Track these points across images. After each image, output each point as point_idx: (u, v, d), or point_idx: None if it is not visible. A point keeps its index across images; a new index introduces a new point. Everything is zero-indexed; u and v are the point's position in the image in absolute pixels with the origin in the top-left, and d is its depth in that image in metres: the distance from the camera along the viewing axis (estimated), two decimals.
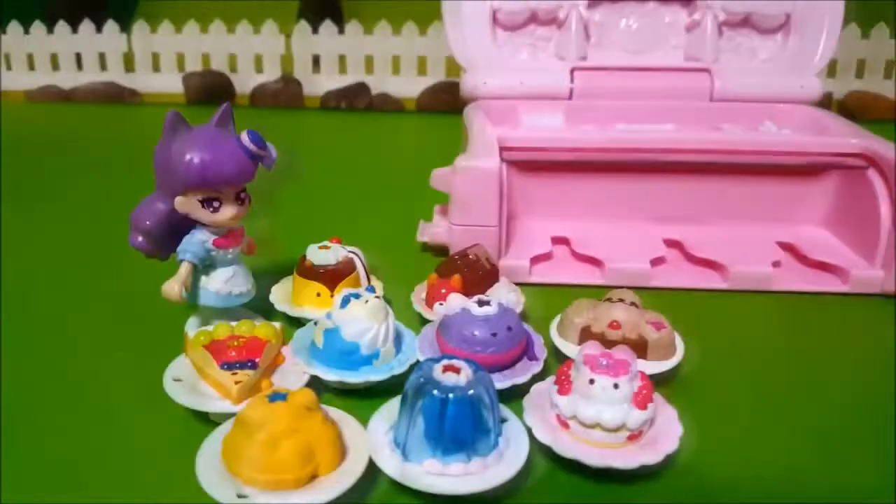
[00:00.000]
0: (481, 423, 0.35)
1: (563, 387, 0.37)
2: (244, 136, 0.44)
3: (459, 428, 0.34)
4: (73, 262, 0.61)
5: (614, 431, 0.36)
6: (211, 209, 0.44)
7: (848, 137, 0.61)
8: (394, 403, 0.38)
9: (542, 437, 0.36)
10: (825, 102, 1.14)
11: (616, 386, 0.36)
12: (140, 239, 0.45)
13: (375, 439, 0.36)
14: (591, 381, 0.36)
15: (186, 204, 0.44)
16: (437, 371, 0.35)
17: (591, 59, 0.72)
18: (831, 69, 1.21)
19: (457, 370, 0.35)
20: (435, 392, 0.34)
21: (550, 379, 0.40)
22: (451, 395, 0.34)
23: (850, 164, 0.59)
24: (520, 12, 0.71)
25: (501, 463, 0.35)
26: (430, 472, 0.34)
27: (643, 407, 0.36)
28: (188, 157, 0.42)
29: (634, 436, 0.36)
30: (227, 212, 0.44)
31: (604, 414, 0.35)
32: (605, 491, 0.36)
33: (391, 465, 0.34)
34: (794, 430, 0.41)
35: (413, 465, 0.34)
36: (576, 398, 0.36)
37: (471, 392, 0.34)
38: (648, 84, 0.70)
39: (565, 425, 0.37)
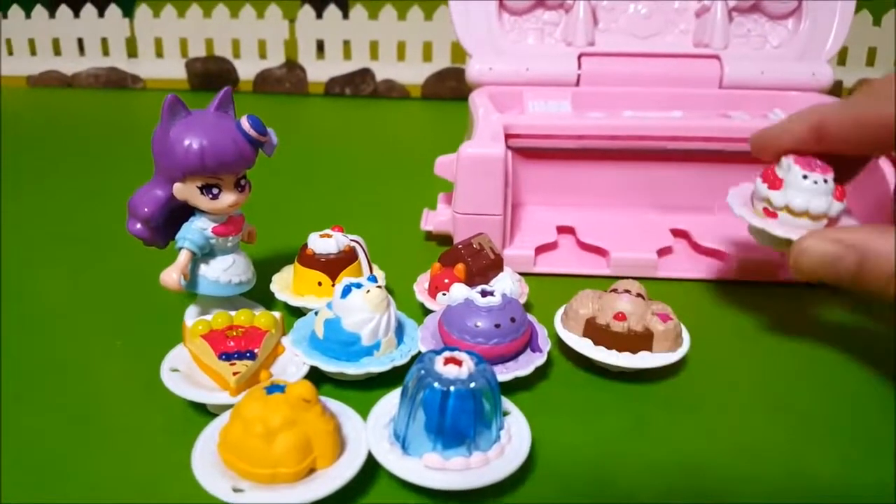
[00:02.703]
0: (483, 417, 0.34)
1: (774, 184, 0.44)
2: (244, 121, 0.43)
3: (460, 421, 0.33)
4: (73, 248, 0.61)
5: (819, 219, 0.43)
6: (210, 196, 0.43)
7: None
8: (394, 395, 0.38)
9: (757, 222, 0.44)
10: (835, 90, 1.13)
11: (826, 181, 0.42)
12: (138, 226, 0.45)
13: (375, 432, 0.35)
14: (805, 177, 0.42)
15: (185, 191, 0.43)
16: (439, 363, 0.34)
17: (599, 44, 0.70)
18: (841, 56, 1.19)
19: (458, 362, 0.34)
20: (436, 384, 0.33)
21: (746, 185, 0.48)
22: (452, 388, 0.33)
23: None
24: None
25: (503, 457, 0.34)
26: (429, 466, 0.33)
27: (841, 199, 0.43)
28: (186, 142, 0.41)
29: (832, 221, 0.43)
30: (227, 199, 0.44)
31: (812, 203, 0.42)
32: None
33: (390, 458, 0.34)
34: (802, 423, 0.40)
35: (413, 458, 0.34)
36: (789, 191, 0.43)
37: (472, 385, 0.33)
38: (657, 70, 0.69)
39: (773, 215, 0.44)
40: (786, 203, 0.43)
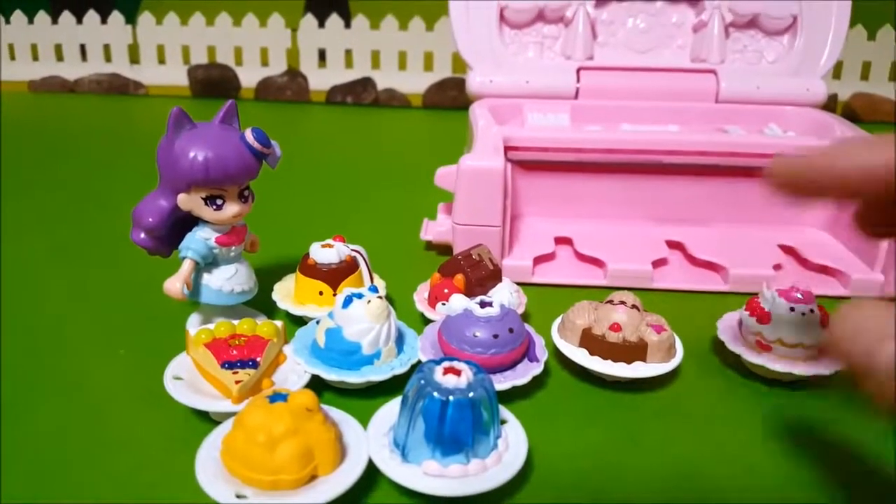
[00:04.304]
0: (481, 425, 0.35)
1: (762, 318, 0.44)
2: (248, 134, 0.44)
3: (459, 430, 0.34)
4: (76, 257, 0.62)
5: (811, 348, 0.43)
6: (214, 207, 0.44)
7: None
8: (394, 404, 0.38)
9: (756, 360, 0.44)
10: (830, 104, 1.14)
11: (812, 311, 0.43)
12: (142, 236, 0.46)
13: (375, 440, 0.36)
14: (792, 309, 0.43)
15: (189, 201, 0.44)
16: (438, 373, 0.35)
17: (598, 58, 0.72)
18: (837, 71, 1.20)
19: (457, 372, 0.35)
20: (435, 394, 0.34)
21: (733, 315, 0.48)
22: (451, 398, 0.34)
23: None
24: (527, 10, 0.71)
25: (500, 465, 0.35)
26: (428, 473, 0.34)
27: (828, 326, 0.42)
28: (192, 154, 0.42)
29: (821, 350, 0.44)
30: (231, 209, 0.44)
31: (804, 335, 0.43)
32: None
33: (390, 466, 0.35)
34: (796, 433, 0.41)
35: (412, 465, 0.35)
36: (780, 325, 0.43)
37: (471, 395, 0.34)
38: (654, 84, 0.70)
39: (767, 348, 0.44)
40: (778, 337, 0.43)
